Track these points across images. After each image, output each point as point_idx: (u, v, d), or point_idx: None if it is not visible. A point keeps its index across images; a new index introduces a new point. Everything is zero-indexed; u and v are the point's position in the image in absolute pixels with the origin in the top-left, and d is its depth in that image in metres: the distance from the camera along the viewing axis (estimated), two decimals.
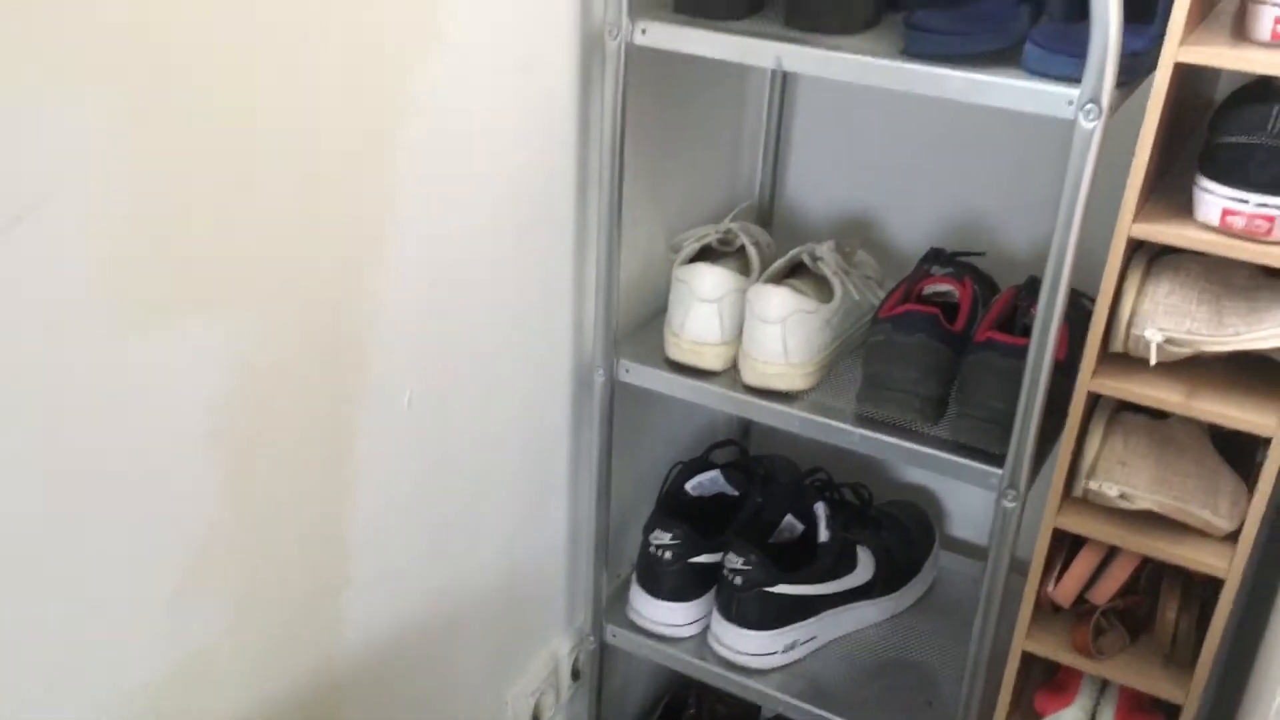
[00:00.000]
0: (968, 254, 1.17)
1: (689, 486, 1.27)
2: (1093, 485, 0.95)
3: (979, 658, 1.04)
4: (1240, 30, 0.84)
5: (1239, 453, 0.98)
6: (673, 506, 1.25)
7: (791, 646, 1.20)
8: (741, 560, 1.16)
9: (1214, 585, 0.95)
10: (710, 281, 1.08)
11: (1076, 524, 0.97)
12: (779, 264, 1.13)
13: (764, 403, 1.07)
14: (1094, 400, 0.97)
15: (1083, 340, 0.93)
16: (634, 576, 1.24)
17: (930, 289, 1.13)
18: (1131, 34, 0.84)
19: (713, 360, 1.09)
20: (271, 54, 0.70)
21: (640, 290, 1.19)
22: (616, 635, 1.24)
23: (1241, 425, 0.89)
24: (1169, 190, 0.92)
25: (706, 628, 1.22)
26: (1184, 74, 0.84)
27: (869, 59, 0.90)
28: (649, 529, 1.21)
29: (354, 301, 0.83)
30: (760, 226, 1.27)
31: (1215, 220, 0.85)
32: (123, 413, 0.67)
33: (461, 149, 0.89)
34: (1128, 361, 0.94)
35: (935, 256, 1.16)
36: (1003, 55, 0.88)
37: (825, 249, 1.14)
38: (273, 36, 0.70)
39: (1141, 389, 0.92)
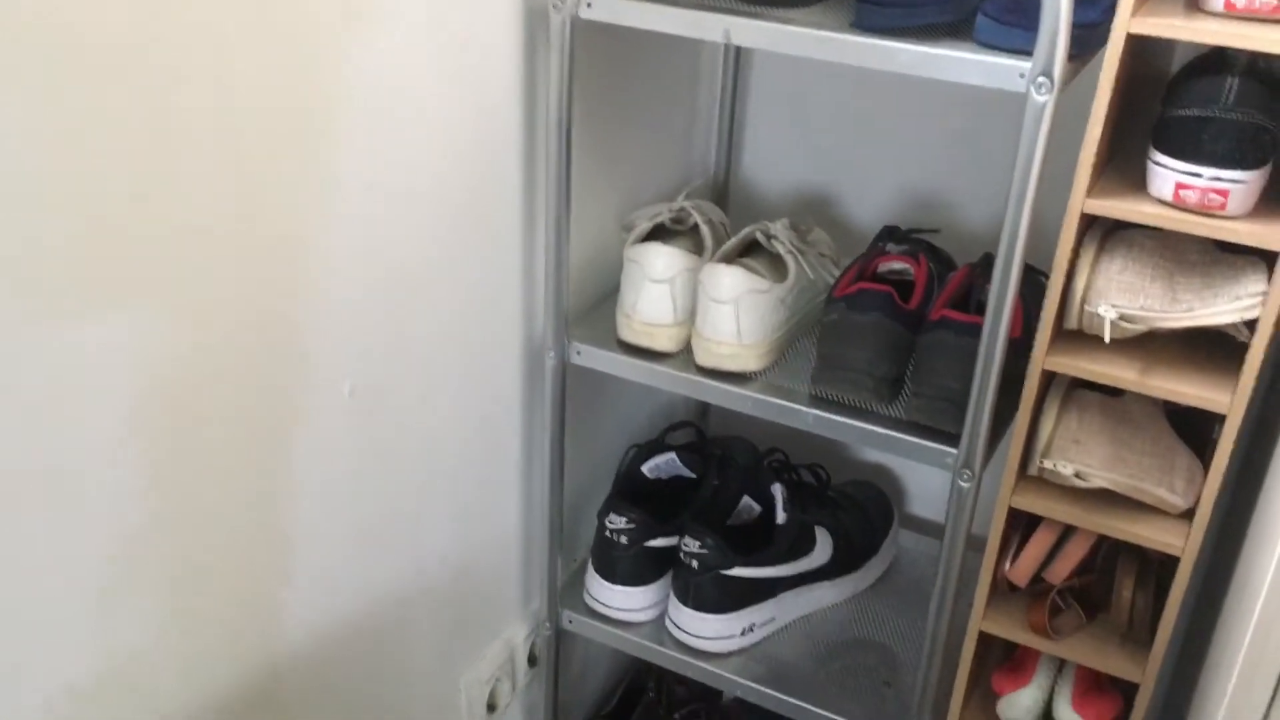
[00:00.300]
0: (922, 231, 1.16)
1: (645, 469, 1.25)
2: (1047, 464, 0.94)
3: (936, 638, 1.03)
4: (1194, 1, 0.83)
5: (1195, 430, 0.98)
6: (629, 490, 1.23)
7: (750, 629, 1.19)
8: (698, 543, 1.14)
9: (1170, 563, 0.95)
10: (662, 262, 1.06)
11: (1032, 503, 0.96)
12: (732, 243, 1.11)
13: (717, 384, 1.05)
14: (1049, 378, 0.96)
15: (1038, 317, 0.91)
16: (590, 561, 1.22)
17: (885, 267, 1.11)
18: (1084, 6, 0.83)
19: (665, 342, 1.08)
20: (189, 32, 0.67)
21: (592, 271, 1.17)
22: (573, 621, 1.23)
23: (1196, 402, 0.88)
24: (1123, 165, 0.91)
25: (664, 612, 1.20)
26: (1138, 46, 0.83)
27: (818, 32, 0.88)
28: (604, 513, 1.19)
29: (288, 289, 0.80)
30: (715, 204, 1.25)
31: (1168, 195, 0.84)
32: (35, 408, 0.65)
33: (399, 129, 0.87)
34: (1082, 339, 0.93)
35: (890, 234, 1.15)
36: (955, 28, 0.86)
37: (780, 227, 1.12)
38: (190, 14, 0.67)
39: (1096, 366, 0.91)
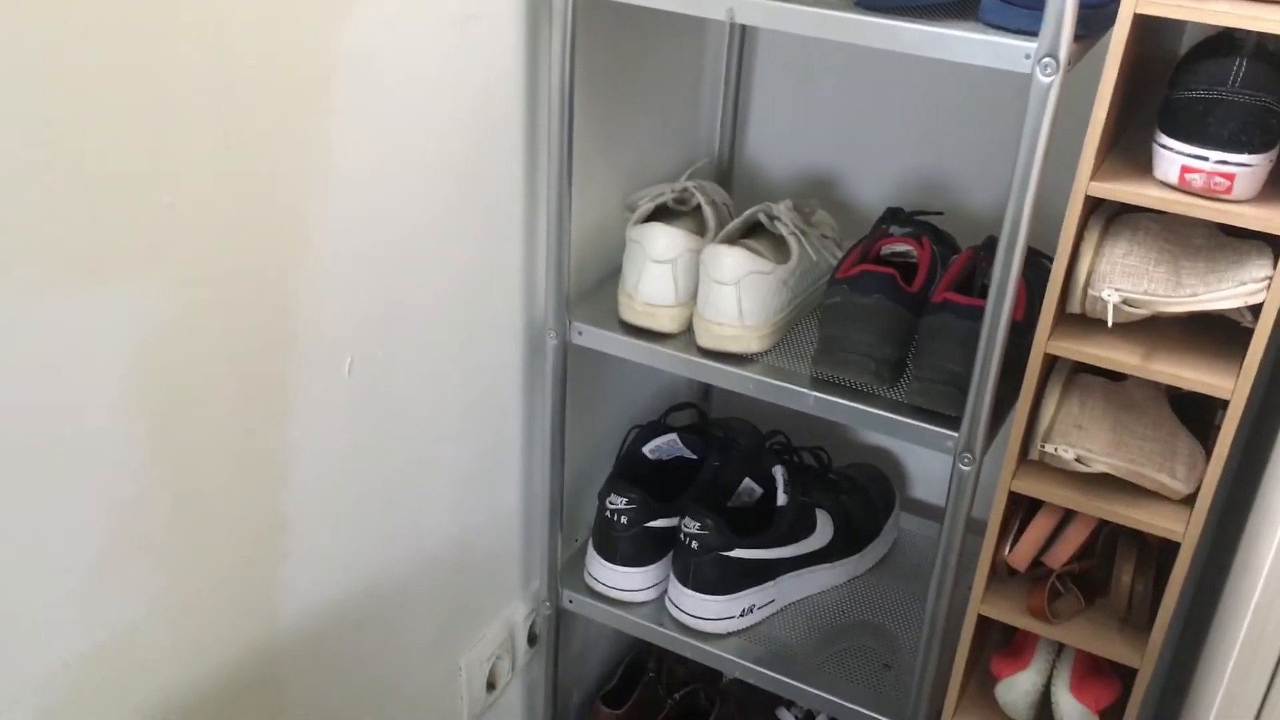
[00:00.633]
0: (926, 213, 1.15)
1: (647, 450, 1.25)
2: (1049, 448, 0.94)
3: (936, 621, 1.03)
4: None
5: (1197, 415, 0.97)
6: (630, 470, 1.23)
7: (749, 610, 1.19)
8: (698, 524, 1.14)
9: (1171, 549, 0.94)
10: (664, 242, 1.06)
11: (1032, 487, 0.96)
12: (735, 224, 1.11)
13: (718, 365, 1.05)
14: (1051, 362, 0.96)
15: (1041, 301, 0.91)
16: (590, 541, 1.22)
17: (888, 249, 1.11)
18: None
19: (667, 322, 1.07)
20: (187, 4, 0.67)
21: (595, 250, 1.17)
22: (573, 601, 1.23)
23: (1199, 387, 0.88)
24: (1129, 147, 0.90)
25: (664, 592, 1.20)
26: (1145, 27, 0.82)
27: (822, 11, 0.87)
28: (605, 493, 1.19)
29: (288, 265, 0.80)
30: (718, 185, 1.24)
31: (1174, 178, 0.83)
32: (32, 381, 0.64)
33: (399, 105, 0.86)
34: (1085, 323, 0.92)
35: (893, 216, 1.14)
36: (959, 8, 0.86)
37: (783, 208, 1.12)
38: None
39: (1098, 350, 0.90)
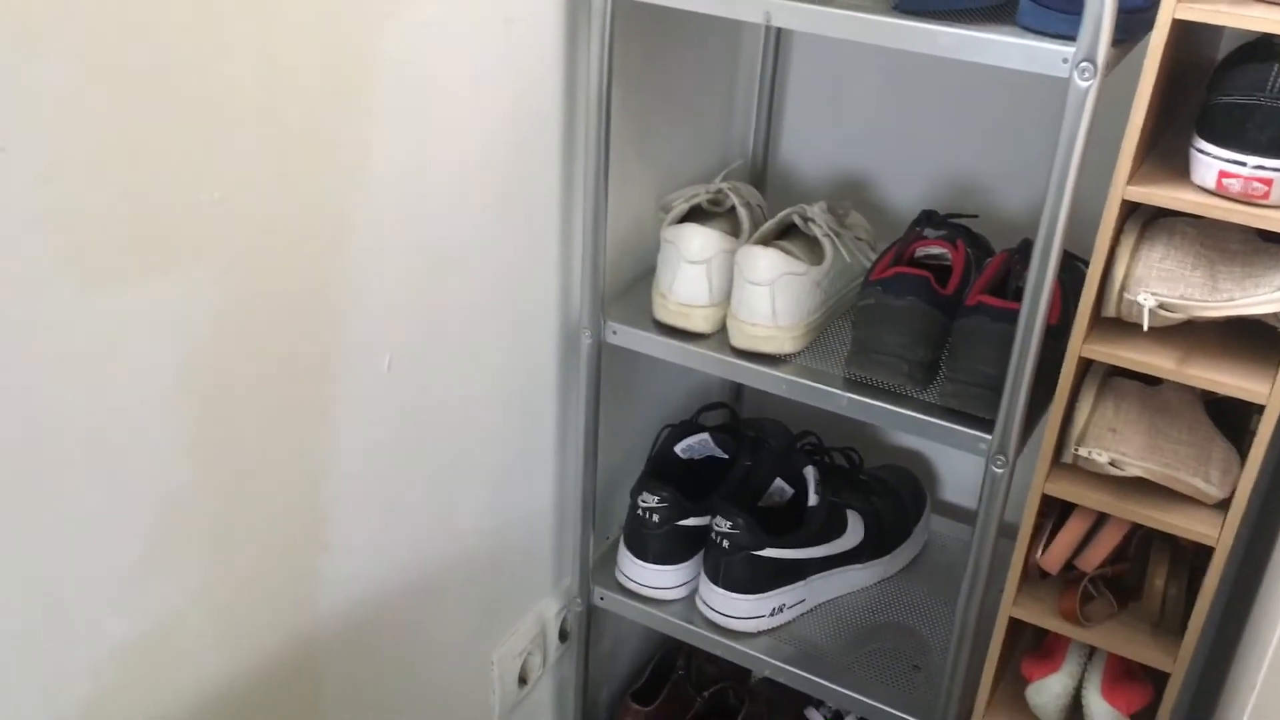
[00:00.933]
0: (960, 216, 1.15)
1: (678, 449, 1.26)
2: (1082, 452, 0.94)
3: (966, 623, 1.03)
4: None
5: (1232, 420, 0.97)
6: (662, 469, 1.24)
7: (779, 610, 1.19)
8: (729, 524, 1.15)
9: (1204, 553, 0.94)
10: (698, 243, 1.06)
11: (1066, 490, 0.96)
12: (769, 225, 1.12)
13: (751, 365, 1.05)
14: (1085, 366, 0.96)
15: (1076, 304, 0.91)
16: (622, 539, 1.23)
17: (922, 251, 1.11)
18: None
19: (700, 322, 1.08)
20: (234, 7, 0.68)
21: (629, 250, 1.18)
22: (604, 598, 1.24)
23: (1234, 392, 0.87)
24: (1166, 152, 0.90)
25: (695, 591, 1.21)
26: (1183, 32, 0.82)
27: (860, 14, 0.87)
28: (637, 491, 1.20)
29: (330, 263, 0.82)
30: (753, 186, 1.25)
31: (1211, 183, 0.83)
32: (85, 372, 0.66)
33: (439, 106, 0.87)
34: (1120, 326, 0.92)
35: (928, 219, 1.15)
36: (996, 12, 0.86)
37: (817, 210, 1.12)
38: None
39: (1134, 355, 0.90)
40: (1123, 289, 0.89)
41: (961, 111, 1.27)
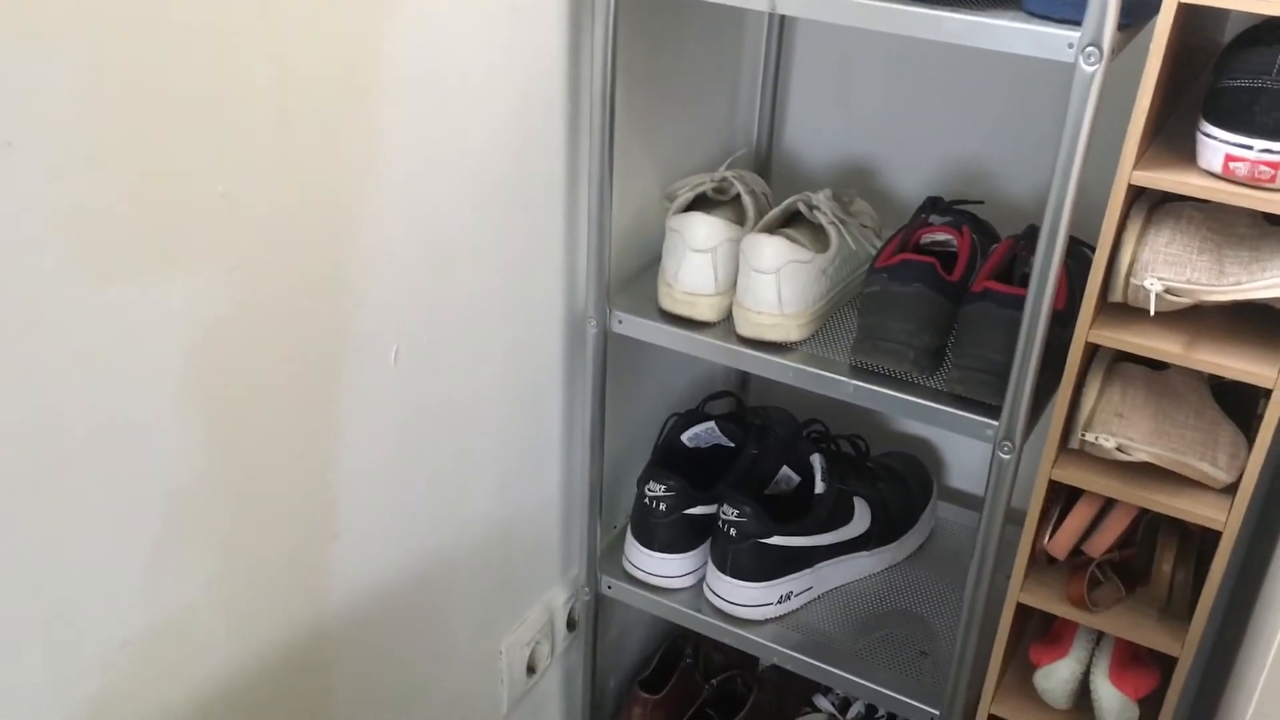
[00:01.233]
0: (966, 202, 1.15)
1: (685, 438, 1.26)
2: (1089, 437, 0.94)
3: (974, 609, 1.03)
4: None
5: (1239, 404, 0.97)
6: (668, 458, 1.24)
7: (787, 597, 1.20)
8: (736, 512, 1.15)
9: (1211, 537, 0.94)
10: (704, 231, 1.06)
11: (1073, 476, 0.96)
12: (774, 213, 1.11)
13: (757, 354, 1.06)
14: (1092, 351, 0.96)
15: (1083, 290, 0.91)
16: (629, 528, 1.23)
17: (928, 238, 1.11)
18: None
19: (706, 311, 1.08)
20: (240, 3, 0.69)
21: (635, 239, 1.18)
22: (612, 587, 1.24)
23: (1241, 376, 0.87)
24: (1172, 136, 0.90)
25: (702, 579, 1.21)
26: (1189, 15, 0.82)
27: (865, 0, 0.87)
28: (643, 480, 1.20)
29: (337, 255, 0.82)
30: (757, 174, 1.25)
31: (1218, 167, 0.83)
32: (95, 365, 0.66)
33: (444, 97, 0.87)
34: (1127, 311, 0.92)
35: (933, 205, 1.14)
36: None
37: (822, 197, 1.12)
38: None
39: (1140, 339, 0.90)
40: (1129, 274, 0.89)
41: (966, 97, 1.26)
